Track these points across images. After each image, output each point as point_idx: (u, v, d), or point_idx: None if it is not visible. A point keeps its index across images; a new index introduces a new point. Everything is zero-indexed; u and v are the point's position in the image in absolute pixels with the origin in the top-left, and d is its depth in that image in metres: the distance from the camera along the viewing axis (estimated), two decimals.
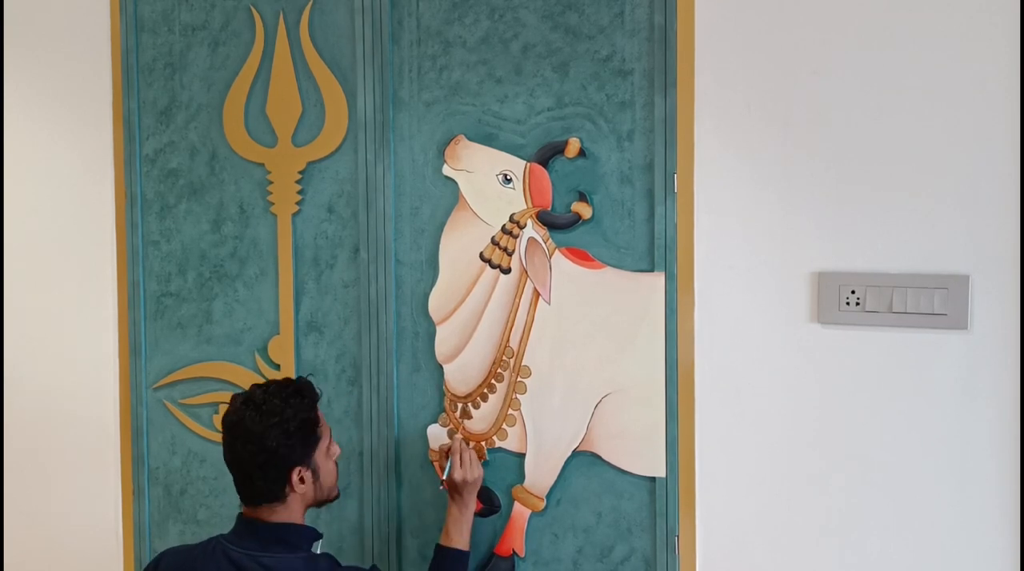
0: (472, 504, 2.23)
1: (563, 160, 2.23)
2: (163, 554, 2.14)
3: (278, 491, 2.03)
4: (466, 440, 2.31)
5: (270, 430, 2.00)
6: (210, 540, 2.10)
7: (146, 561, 2.68)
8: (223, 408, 2.56)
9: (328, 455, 2.11)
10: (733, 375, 2.12)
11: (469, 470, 2.20)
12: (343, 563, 2.11)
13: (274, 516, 2.04)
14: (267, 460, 2.01)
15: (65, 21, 2.73)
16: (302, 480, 2.04)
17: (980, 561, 1.97)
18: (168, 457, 2.66)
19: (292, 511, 2.05)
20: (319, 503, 2.12)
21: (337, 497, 2.16)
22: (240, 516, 2.08)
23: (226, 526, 2.54)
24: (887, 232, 1.99)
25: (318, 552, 2.09)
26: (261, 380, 2.52)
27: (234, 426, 2.05)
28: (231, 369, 2.58)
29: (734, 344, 2.11)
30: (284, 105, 2.48)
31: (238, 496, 2.09)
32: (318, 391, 2.13)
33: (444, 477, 2.23)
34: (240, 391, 2.15)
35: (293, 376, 2.29)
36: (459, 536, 2.20)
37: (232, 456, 2.05)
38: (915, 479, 2.00)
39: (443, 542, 2.21)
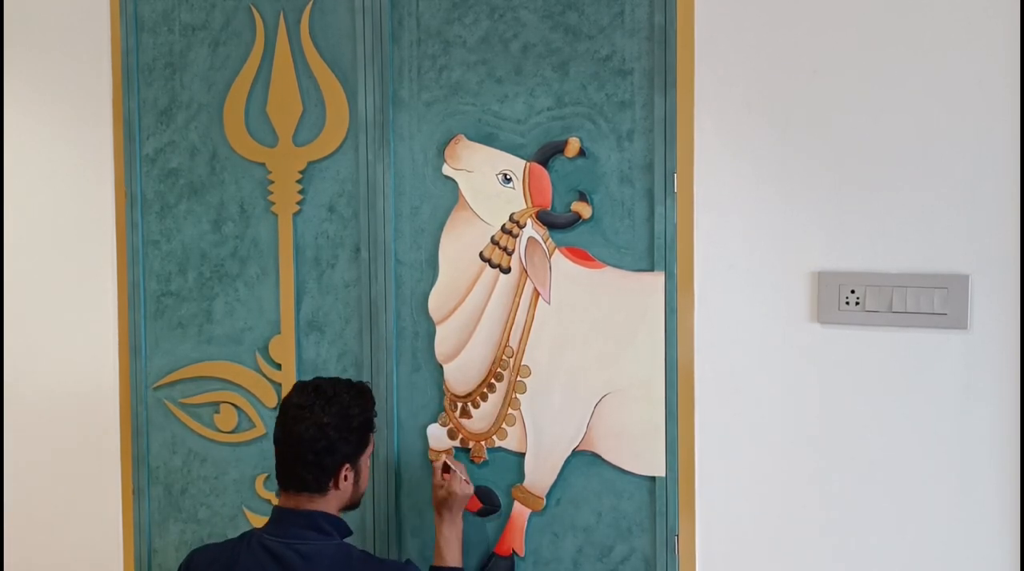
0: (459, 521, 2.24)
1: (563, 160, 2.23)
2: (192, 554, 2.17)
3: (324, 483, 2.07)
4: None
5: (335, 420, 2.07)
6: (243, 535, 2.13)
7: (146, 561, 2.68)
8: (224, 408, 2.59)
9: (367, 462, 2.17)
10: (733, 375, 2.12)
11: (461, 485, 2.22)
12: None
13: (311, 506, 2.08)
14: (324, 448, 2.05)
15: (65, 21, 2.72)
16: (346, 478, 2.09)
17: (980, 561, 1.97)
18: (168, 457, 2.66)
19: (328, 506, 2.09)
20: (347, 506, 2.15)
21: (358, 505, 2.20)
22: (276, 508, 2.12)
23: (227, 525, 2.55)
24: (887, 232, 1.99)
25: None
26: (262, 380, 2.53)
27: (300, 409, 2.08)
28: (232, 369, 2.58)
29: (734, 344, 2.11)
30: (285, 105, 2.48)
31: (277, 484, 2.12)
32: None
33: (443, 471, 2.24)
34: (304, 380, 2.20)
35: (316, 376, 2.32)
36: (451, 555, 2.22)
37: (289, 439, 2.08)
38: (915, 479, 2.00)
39: (436, 563, 2.23)
